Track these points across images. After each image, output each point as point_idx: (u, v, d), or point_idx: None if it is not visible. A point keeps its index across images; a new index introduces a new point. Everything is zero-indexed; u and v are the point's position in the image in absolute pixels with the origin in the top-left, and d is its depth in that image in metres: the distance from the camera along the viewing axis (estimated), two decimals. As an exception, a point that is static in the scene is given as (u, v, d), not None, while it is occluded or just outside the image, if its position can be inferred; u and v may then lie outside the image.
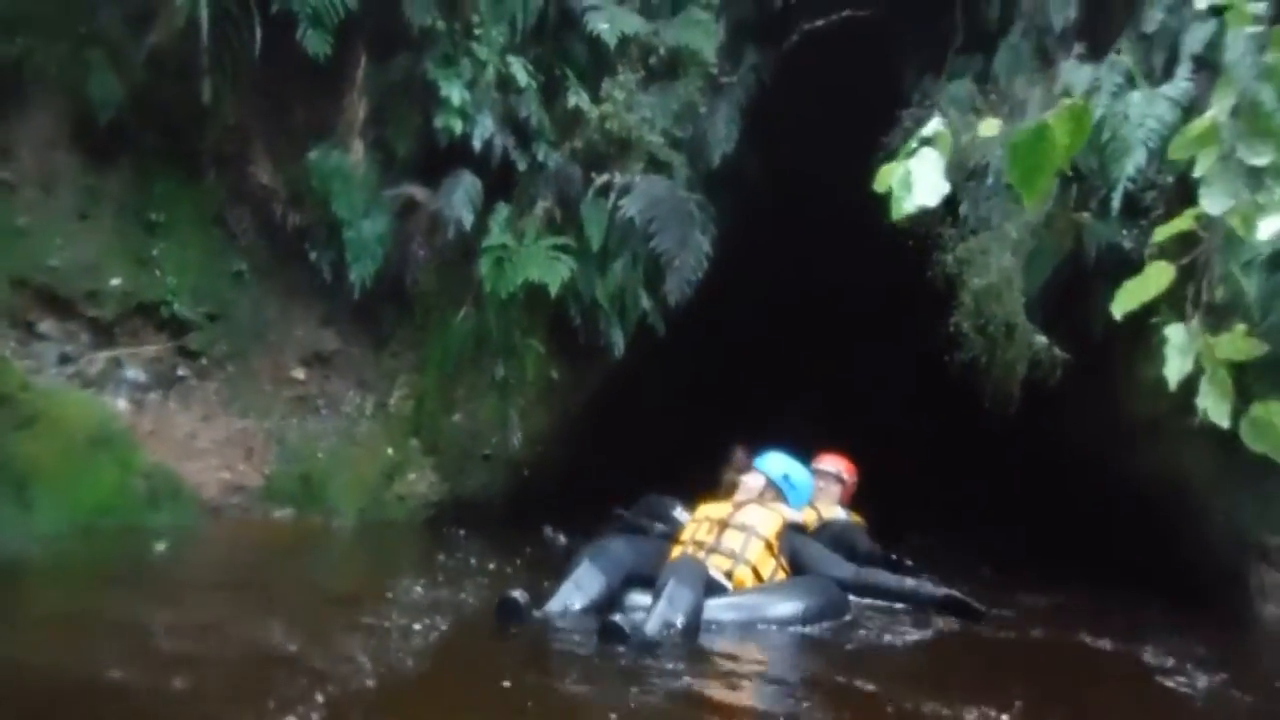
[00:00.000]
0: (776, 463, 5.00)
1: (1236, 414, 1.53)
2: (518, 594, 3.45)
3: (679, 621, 3.54)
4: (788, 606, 4.09)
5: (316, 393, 5.86)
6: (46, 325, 5.41)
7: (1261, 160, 1.46)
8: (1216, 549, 5.64)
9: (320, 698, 2.04)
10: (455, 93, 5.64)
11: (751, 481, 4.87)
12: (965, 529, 7.47)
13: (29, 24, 5.37)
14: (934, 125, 1.66)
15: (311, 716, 1.87)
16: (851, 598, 4.52)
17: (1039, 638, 4.42)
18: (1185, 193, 5.30)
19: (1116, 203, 5.41)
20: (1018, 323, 5.34)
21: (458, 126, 5.68)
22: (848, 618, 4.29)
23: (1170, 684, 3.61)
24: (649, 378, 7.68)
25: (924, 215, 5.97)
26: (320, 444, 5.63)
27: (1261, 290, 4.74)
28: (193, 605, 3.11)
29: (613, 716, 2.43)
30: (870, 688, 3.13)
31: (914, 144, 1.66)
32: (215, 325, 5.84)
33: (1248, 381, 1.57)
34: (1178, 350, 1.55)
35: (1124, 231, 5.54)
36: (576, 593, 3.72)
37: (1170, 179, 5.41)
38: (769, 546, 4.37)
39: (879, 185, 1.70)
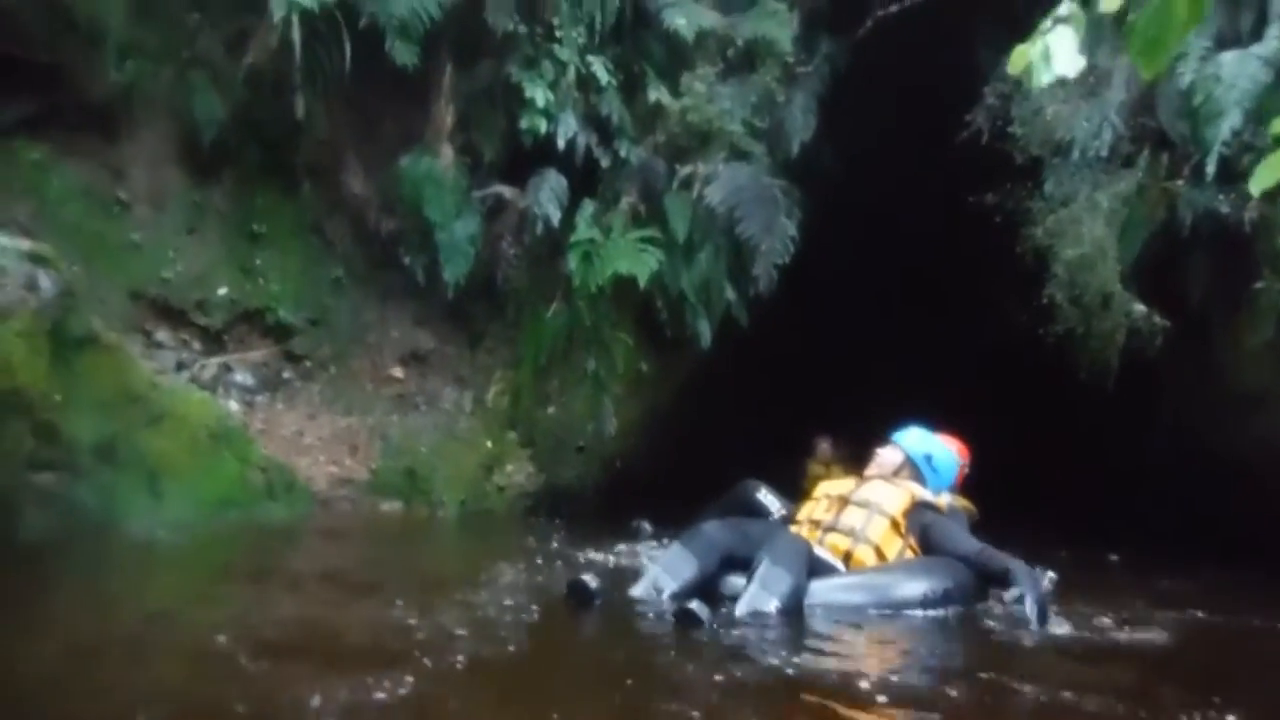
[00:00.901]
0: (917, 439, 4.33)
1: None
2: (588, 578, 3.22)
3: (772, 606, 3.17)
4: (909, 587, 3.59)
5: (415, 390, 6.05)
6: (162, 334, 5.70)
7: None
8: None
9: (422, 665, 2.15)
10: (539, 94, 5.78)
11: (887, 456, 4.24)
12: (1066, 511, 7.34)
13: (138, 50, 5.67)
14: (1066, 6, 1.70)
15: (409, 681, 1.98)
16: None
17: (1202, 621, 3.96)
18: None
19: (1211, 168, 5.30)
20: (1114, 292, 5.27)
21: (542, 126, 5.82)
22: (982, 605, 3.73)
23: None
24: (734, 370, 7.73)
25: (1011, 189, 5.94)
26: (421, 439, 5.80)
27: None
28: (312, 589, 3.24)
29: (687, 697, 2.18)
30: (995, 676, 2.60)
31: (1049, 23, 1.70)
32: (316, 329, 6.08)
33: None
34: None
35: (1220, 197, 5.43)
36: (664, 576, 3.38)
37: (1267, 141, 5.30)
38: (895, 525, 3.81)
39: (1014, 65, 1.75)
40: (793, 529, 3.88)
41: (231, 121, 5.91)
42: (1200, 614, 4.00)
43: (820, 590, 3.43)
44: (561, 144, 5.91)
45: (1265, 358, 5.50)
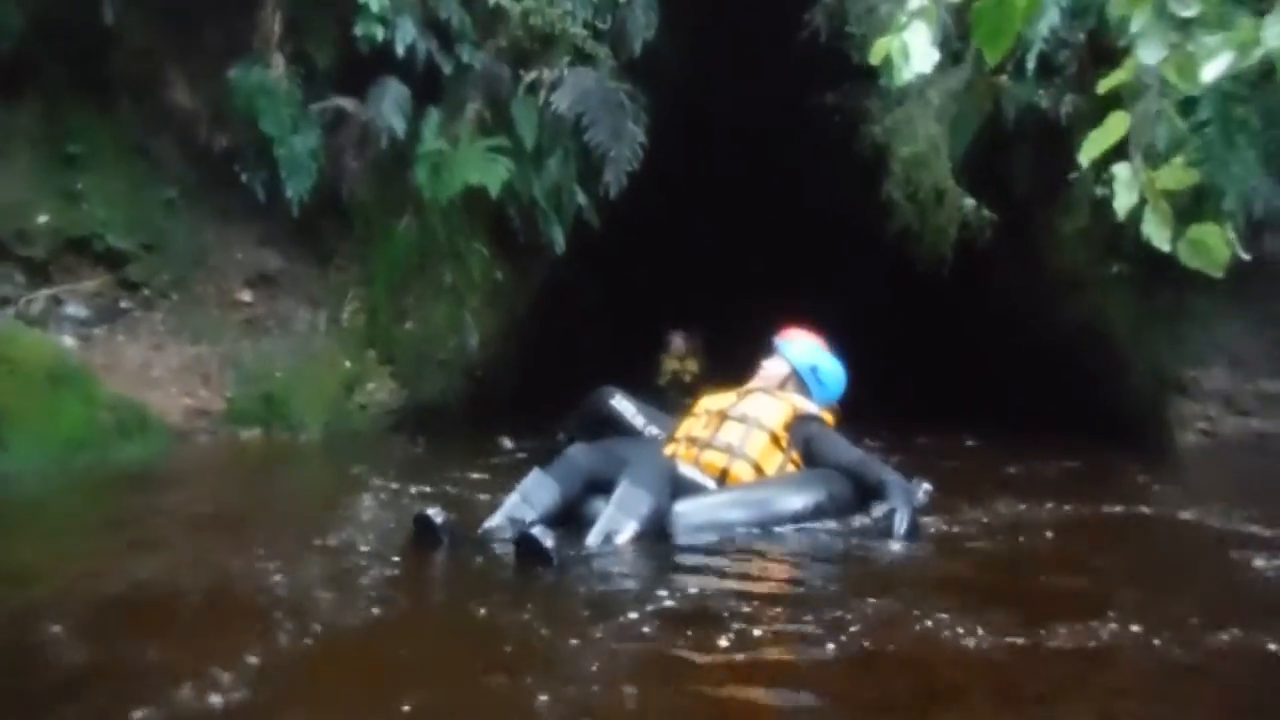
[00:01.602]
0: (802, 349, 4.09)
1: (1174, 238, 1.72)
2: (433, 512, 2.94)
3: (628, 530, 2.94)
4: (778, 503, 3.42)
5: (266, 313, 5.86)
6: (-21, 269, 5.32)
7: (1190, 12, 1.61)
8: (1137, 389, 6.04)
9: (273, 643, 1.98)
10: (373, -2, 5.52)
11: (772, 369, 4.03)
12: (915, 396, 7.78)
13: (-87, -47, 5.12)
14: (918, 1, 1.78)
15: (253, 667, 1.82)
16: None
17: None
18: (1097, 50, 5.56)
19: (1032, 64, 5.58)
20: (946, 188, 5.55)
21: (379, 33, 5.58)
22: (861, 517, 3.52)
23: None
24: (589, 273, 7.80)
25: (849, 89, 6.11)
26: (277, 363, 5.66)
27: (1204, 181, 4.94)
28: (165, 539, 3.11)
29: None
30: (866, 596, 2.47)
31: (904, 18, 1.79)
32: (152, 255, 5.78)
33: (1182, 211, 1.76)
34: (1124, 185, 1.72)
35: (1040, 91, 5.74)
36: (521, 505, 3.12)
37: (1082, 36, 5.61)
38: (775, 439, 3.64)
39: (875, 56, 1.83)
40: (669, 447, 3.72)
41: (32, 32, 5.43)
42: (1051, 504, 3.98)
43: (685, 511, 3.23)
44: (401, 51, 5.68)
45: (1080, 244, 5.95)
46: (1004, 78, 5.87)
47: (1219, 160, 5.01)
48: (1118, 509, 3.86)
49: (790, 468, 3.66)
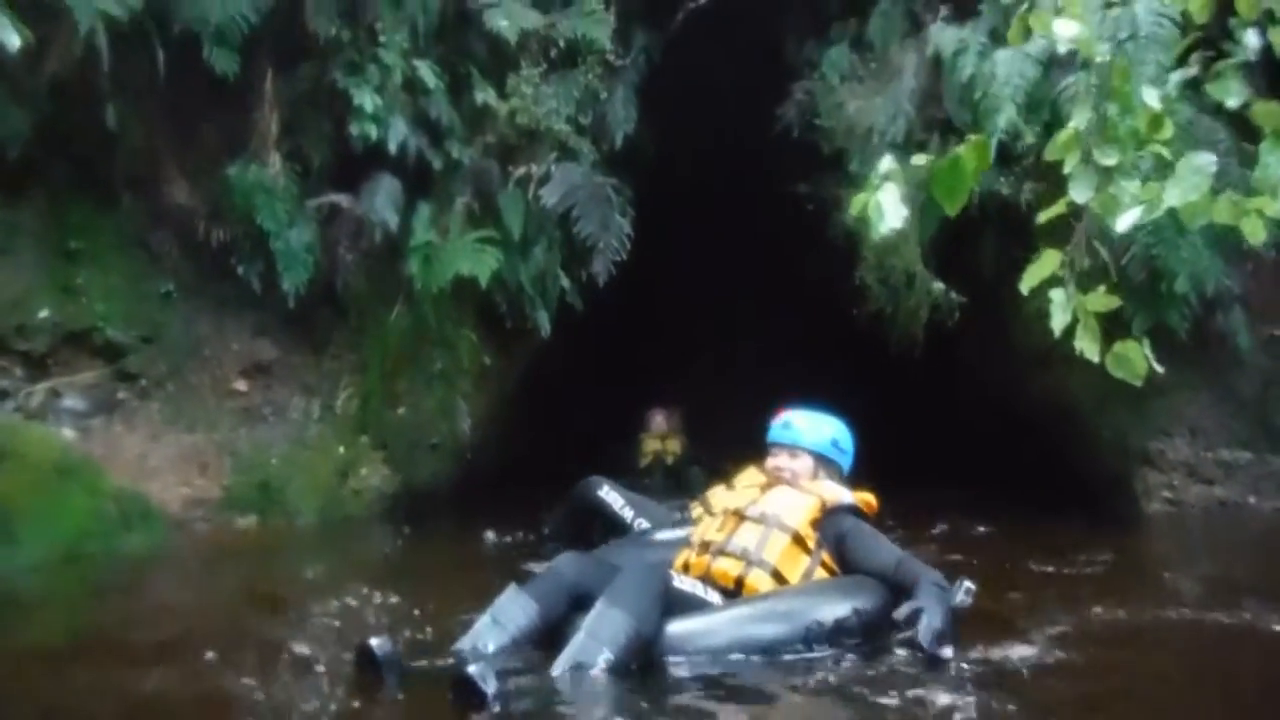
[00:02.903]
0: (810, 427, 3.58)
1: (1103, 351, 1.98)
2: (376, 643, 2.61)
3: (599, 660, 2.54)
4: (781, 623, 2.92)
5: (261, 402, 6.01)
6: (-20, 363, 5.44)
7: (1110, 161, 1.89)
8: (1104, 459, 6.28)
9: None
10: (367, 99, 5.79)
11: (796, 468, 3.50)
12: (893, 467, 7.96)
13: (-76, 63, 5.32)
14: (887, 163, 2.04)
15: None
16: None
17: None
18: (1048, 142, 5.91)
19: (991, 154, 5.90)
20: (916, 271, 5.83)
21: (373, 132, 5.84)
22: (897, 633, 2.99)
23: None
24: (574, 355, 8.00)
25: (821, 177, 6.43)
26: (272, 451, 5.79)
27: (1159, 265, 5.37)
28: (159, 626, 3.29)
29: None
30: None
31: (876, 180, 2.03)
32: (149, 346, 5.92)
33: (1110, 327, 2.03)
34: (1059, 307, 1.99)
35: (1000, 179, 6.08)
36: (491, 629, 2.78)
37: (1037, 129, 5.96)
38: (798, 540, 3.19)
39: (853, 211, 2.09)
40: (680, 555, 3.38)
41: (36, 135, 5.63)
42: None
43: (678, 634, 2.79)
44: (393, 148, 5.94)
45: (1044, 322, 6.22)
46: (922, 163, 6.20)
47: (1170, 244, 5.34)
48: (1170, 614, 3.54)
49: (821, 573, 3.20)
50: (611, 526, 4.50)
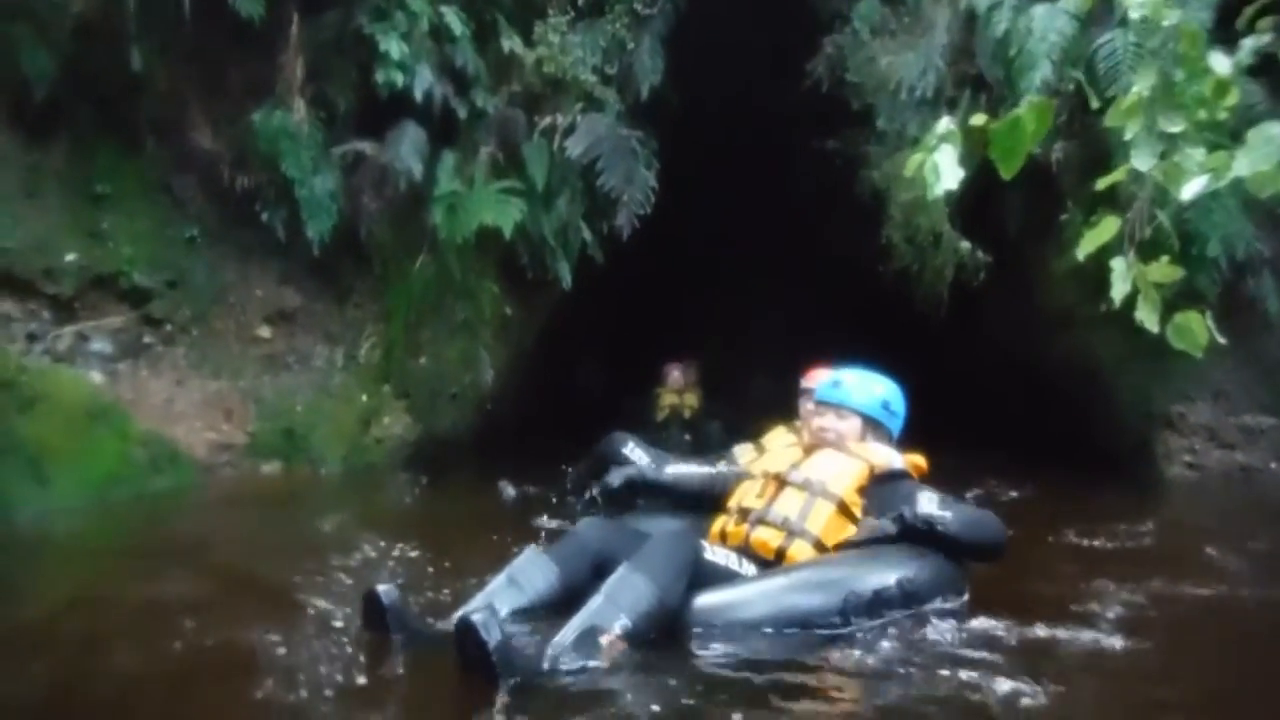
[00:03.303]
0: (860, 388, 3.33)
1: (1163, 321, 1.95)
2: (384, 589, 2.48)
3: (615, 627, 2.34)
4: (820, 593, 2.68)
5: (285, 349, 6.04)
6: (8, 305, 5.47)
7: (1176, 128, 1.86)
8: (1125, 423, 6.27)
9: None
10: (393, 46, 5.74)
11: (843, 429, 3.25)
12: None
13: (-48, 3, 5.31)
14: (945, 123, 2.01)
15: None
16: None
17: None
18: (1084, 102, 5.81)
19: (1052, 116, 5.82)
20: (943, 231, 5.78)
21: (399, 79, 5.80)
22: (950, 600, 2.87)
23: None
24: (595, 307, 8.01)
25: (849, 134, 6.36)
26: (296, 398, 5.84)
27: (1180, 229, 5.23)
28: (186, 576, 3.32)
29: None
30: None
31: (933, 140, 2.01)
32: (175, 291, 5.94)
33: (1171, 298, 2.00)
34: (1120, 276, 1.96)
35: (1031, 138, 6.00)
36: (506, 590, 2.61)
37: (1071, 87, 5.87)
38: (844, 509, 2.97)
39: (908, 170, 2.06)
40: (716, 522, 3.14)
41: (62, 77, 5.62)
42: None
43: (706, 606, 2.59)
44: (418, 96, 5.90)
45: (1070, 283, 6.19)
46: (981, 125, 6.13)
47: (1203, 208, 5.27)
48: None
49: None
50: None
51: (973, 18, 6.11)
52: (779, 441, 4.52)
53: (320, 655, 2.45)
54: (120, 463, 4.54)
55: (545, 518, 4.54)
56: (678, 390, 8.01)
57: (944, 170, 2.04)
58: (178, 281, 5.95)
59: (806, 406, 4.45)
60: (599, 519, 3.01)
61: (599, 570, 2.64)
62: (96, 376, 5.49)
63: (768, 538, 2.94)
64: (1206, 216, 5.32)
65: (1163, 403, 6.03)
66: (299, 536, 4.16)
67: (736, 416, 7.21)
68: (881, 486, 3.03)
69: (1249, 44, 1.96)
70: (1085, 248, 1.99)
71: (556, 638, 2.32)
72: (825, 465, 3.09)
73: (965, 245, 5.80)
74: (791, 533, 2.91)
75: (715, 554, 2.80)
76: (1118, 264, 1.98)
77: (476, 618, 2.19)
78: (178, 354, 5.85)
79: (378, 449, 6.01)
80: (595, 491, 3.68)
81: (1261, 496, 5.67)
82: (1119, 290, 1.97)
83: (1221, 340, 2.08)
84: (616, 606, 2.39)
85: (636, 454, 4.41)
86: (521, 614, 2.56)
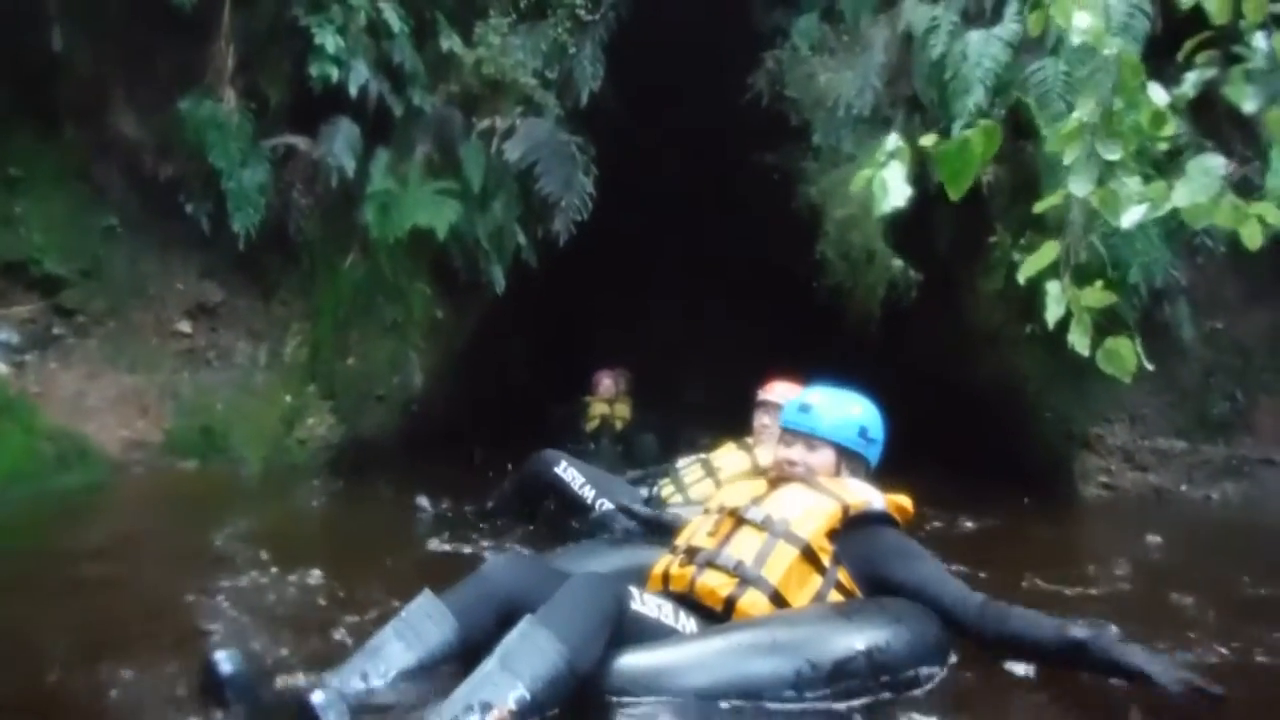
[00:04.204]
0: (834, 411, 2.78)
1: (1093, 346, 1.99)
2: (221, 658, 2.07)
3: (510, 698, 1.92)
4: (763, 661, 2.21)
5: (206, 345, 5.86)
6: (-89, 291, 5.23)
7: (1113, 156, 1.89)
8: (1046, 442, 6.41)
9: None
10: (329, 39, 5.61)
11: (814, 461, 2.74)
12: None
13: None
14: (894, 140, 2.01)
15: None
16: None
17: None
18: (1017, 126, 5.94)
19: (956, 134, 5.93)
20: (876, 249, 5.85)
21: (333, 73, 5.67)
22: (929, 671, 2.37)
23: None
24: (526, 311, 7.94)
25: (788, 149, 6.41)
26: (216, 395, 5.66)
27: (1112, 255, 5.36)
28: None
29: None
30: None
31: (881, 158, 2.01)
32: (89, 282, 5.73)
33: (1102, 323, 2.04)
34: (1054, 300, 1.99)
35: (963, 160, 6.11)
36: (394, 645, 2.17)
37: (1003, 112, 5.99)
38: (809, 555, 2.49)
39: (855, 186, 2.06)
40: (662, 560, 2.69)
41: (-23, 55, 5.40)
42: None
43: (628, 669, 2.15)
44: (354, 91, 5.78)
45: (996, 303, 6.31)
46: (930, 145, 6.23)
47: (1126, 235, 5.41)
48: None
49: (835, 596, 2.49)
50: (569, 506, 4.14)
51: (910, 39, 6.20)
52: (730, 461, 4.32)
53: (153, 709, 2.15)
54: (25, 458, 4.34)
55: (461, 542, 4.05)
56: (608, 400, 7.75)
57: (892, 187, 2.04)
58: (93, 271, 5.74)
59: (762, 420, 4.31)
60: (511, 558, 2.64)
61: (505, 620, 2.16)
62: (1, 367, 5.26)
63: (716, 584, 2.47)
64: (1129, 243, 5.46)
65: (1083, 424, 6.17)
66: (196, 547, 3.77)
67: (668, 425, 7.20)
68: (856, 532, 2.55)
69: (1192, 77, 2.01)
70: (1026, 271, 2.02)
71: (433, 714, 1.90)
72: (791, 502, 2.59)
73: (898, 263, 5.87)
74: (745, 580, 2.44)
75: (646, 604, 2.35)
76: (1053, 287, 2.01)
77: (317, 700, 1.88)
78: (90, 346, 5.63)
79: (300, 450, 5.86)
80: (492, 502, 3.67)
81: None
82: (1053, 313, 2.00)
83: (1150, 366, 2.12)
84: (512, 673, 1.94)
85: (570, 473, 4.10)
86: (409, 675, 2.13)
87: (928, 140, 2.06)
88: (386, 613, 2.43)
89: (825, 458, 2.74)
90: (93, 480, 4.73)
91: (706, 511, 2.75)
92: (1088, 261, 5.09)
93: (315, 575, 3.24)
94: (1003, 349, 6.43)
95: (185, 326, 5.87)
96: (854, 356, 7.72)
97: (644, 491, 4.30)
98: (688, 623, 2.40)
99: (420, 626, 2.19)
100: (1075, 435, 6.23)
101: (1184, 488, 6.05)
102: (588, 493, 3.96)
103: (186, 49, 5.80)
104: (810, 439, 2.74)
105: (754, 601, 2.42)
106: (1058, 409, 6.28)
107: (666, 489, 4.33)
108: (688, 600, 2.50)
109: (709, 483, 4.21)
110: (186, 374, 5.71)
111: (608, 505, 3.76)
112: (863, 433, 2.78)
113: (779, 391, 4.18)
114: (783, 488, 2.68)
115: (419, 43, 6.09)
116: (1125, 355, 1.99)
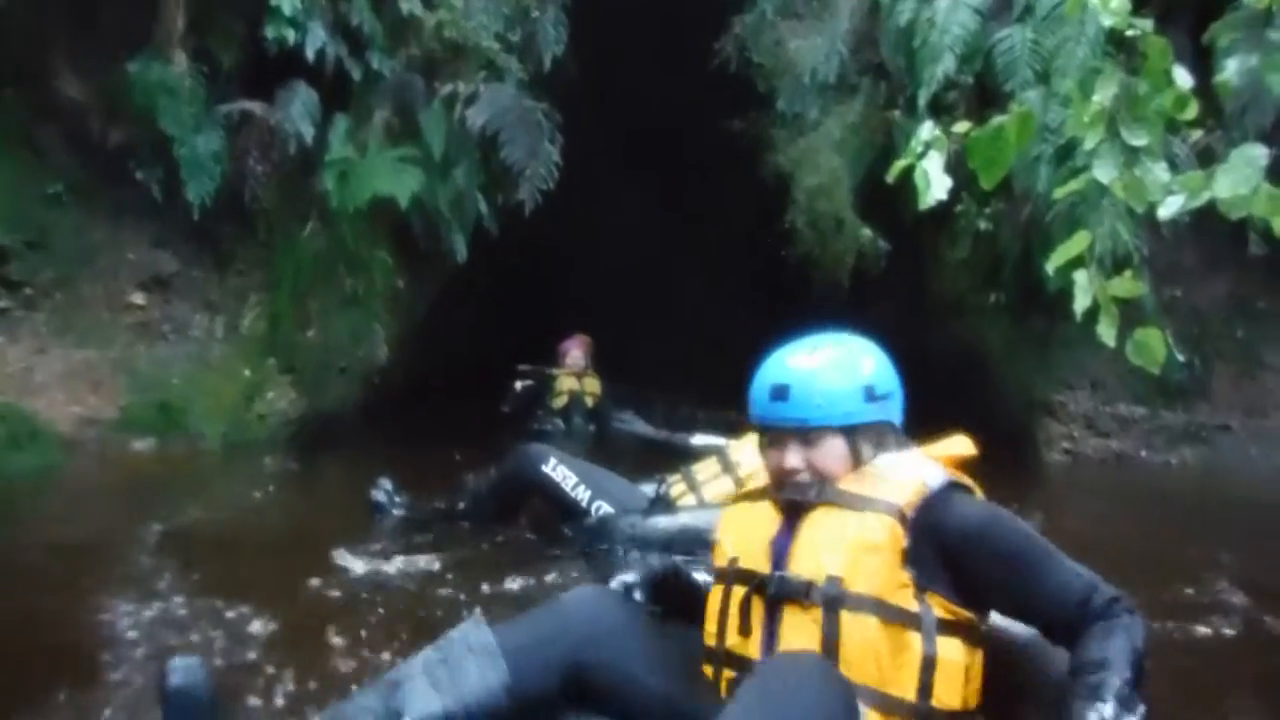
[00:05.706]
0: (822, 378, 1.77)
1: (1121, 336, 1.95)
2: (180, 664, 1.68)
3: None
4: None
5: (160, 318, 5.66)
6: None
7: (1139, 141, 1.85)
8: (1009, 409, 6.48)
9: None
10: (285, 1, 5.41)
11: (819, 459, 1.77)
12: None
13: None
14: (928, 129, 1.96)
15: None
16: None
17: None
18: (983, 94, 5.93)
19: (923, 101, 5.92)
20: (845, 218, 5.83)
21: (290, 36, 5.48)
22: None
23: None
24: (488, 279, 7.81)
25: (754, 115, 6.36)
26: (173, 370, 5.48)
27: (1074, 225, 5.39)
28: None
29: None
30: None
31: (918, 147, 1.96)
32: (35, 252, 5.48)
33: (1130, 313, 2.00)
34: (1082, 290, 1.94)
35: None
36: (416, 686, 1.63)
37: (970, 79, 5.98)
38: (889, 613, 1.61)
39: (890, 176, 2.01)
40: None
41: (-92, 13, 5.11)
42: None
43: None
44: (310, 55, 5.59)
45: (961, 272, 6.34)
46: (896, 113, 6.21)
47: (1093, 206, 5.45)
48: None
49: (952, 649, 1.62)
50: (560, 508, 3.58)
51: (877, 6, 6.15)
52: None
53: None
54: (-26, 438, 4.16)
55: (422, 546, 3.43)
56: (576, 374, 6.95)
57: (934, 178, 1.99)
58: (38, 242, 5.50)
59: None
60: (599, 590, 1.86)
61: (571, 676, 1.68)
62: (-55, 342, 5.05)
63: None
64: (1095, 214, 5.49)
65: (1045, 391, 6.25)
66: (140, 540, 3.32)
67: (643, 400, 7.08)
68: (928, 535, 1.66)
69: (1233, 64, 1.97)
70: (1055, 262, 1.96)
71: None
72: (825, 542, 1.69)
73: (866, 233, 5.86)
74: None
75: None
76: (1080, 277, 1.95)
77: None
78: (38, 320, 5.40)
79: (260, 425, 5.71)
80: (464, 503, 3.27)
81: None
82: (1081, 303, 1.94)
83: (1181, 358, 2.10)
84: None
85: (560, 471, 3.50)
86: None
87: (961, 127, 2.00)
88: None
89: (833, 450, 1.77)
90: (45, 460, 4.54)
91: (719, 581, 1.81)
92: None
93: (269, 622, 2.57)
94: (968, 317, 6.48)
95: (138, 298, 5.66)
96: (820, 323, 7.80)
97: (650, 490, 3.66)
98: None
99: (459, 665, 1.64)
100: (1038, 402, 6.30)
101: (1144, 453, 6.16)
102: (582, 494, 3.40)
103: (133, 7, 5.54)
104: (804, 431, 1.78)
105: None
106: (1021, 376, 6.35)
107: (677, 488, 3.63)
108: None
109: (727, 480, 3.46)
110: (141, 348, 5.52)
111: (605, 509, 3.26)
112: (869, 393, 1.80)
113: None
114: (804, 521, 1.74)
115: (378, 5, 5.90)
116: (1155, 346, 1.93)
